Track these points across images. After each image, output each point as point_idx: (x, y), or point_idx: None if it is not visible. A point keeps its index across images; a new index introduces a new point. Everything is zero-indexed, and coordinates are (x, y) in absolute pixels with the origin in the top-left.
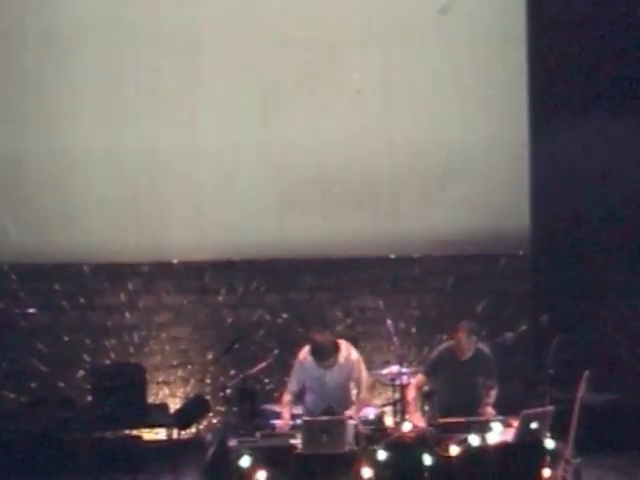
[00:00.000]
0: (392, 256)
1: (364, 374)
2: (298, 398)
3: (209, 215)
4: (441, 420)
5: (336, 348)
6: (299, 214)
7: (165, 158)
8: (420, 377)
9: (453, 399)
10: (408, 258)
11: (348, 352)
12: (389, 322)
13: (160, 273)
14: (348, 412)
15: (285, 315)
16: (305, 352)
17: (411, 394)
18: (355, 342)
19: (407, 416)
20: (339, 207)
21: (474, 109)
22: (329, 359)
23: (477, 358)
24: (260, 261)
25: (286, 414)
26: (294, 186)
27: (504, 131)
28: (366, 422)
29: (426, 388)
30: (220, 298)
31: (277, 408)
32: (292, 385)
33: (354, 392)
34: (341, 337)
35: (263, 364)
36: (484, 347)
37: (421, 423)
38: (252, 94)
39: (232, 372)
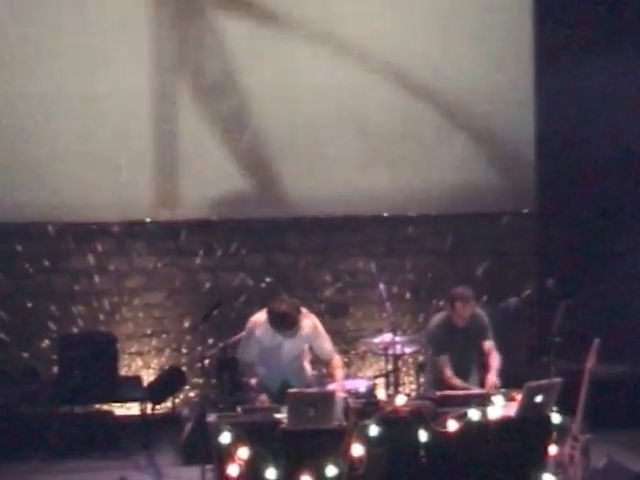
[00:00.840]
0: (385, 214)
1: (327, 340)
2: None
3: (184, 170)
4: (438, 393)
5: (298, 311)
6: (284, 169)
7: (134, 109)
8: (442, 361)
9: (455, 362)
10: (403, 217)
11: (306, 314)
12: (382, 286)
13: (131, 233)
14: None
15: (268, 279)
16: (258, 320)
17: (449, 377)
18: (344, 308)
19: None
20: (327, 161)
21: (476, 58)
22: (295, 325)
23: (474, 322)
24: (241, 220)
25: (257, 386)
26: (278, 138)
27: (508, 81)
28: (357, 395)
29: (421, 359)
30: (197, 261)
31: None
32: (246, 355)
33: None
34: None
35: (244, 332)
36: (478, 309)
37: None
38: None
39: (211, 341)
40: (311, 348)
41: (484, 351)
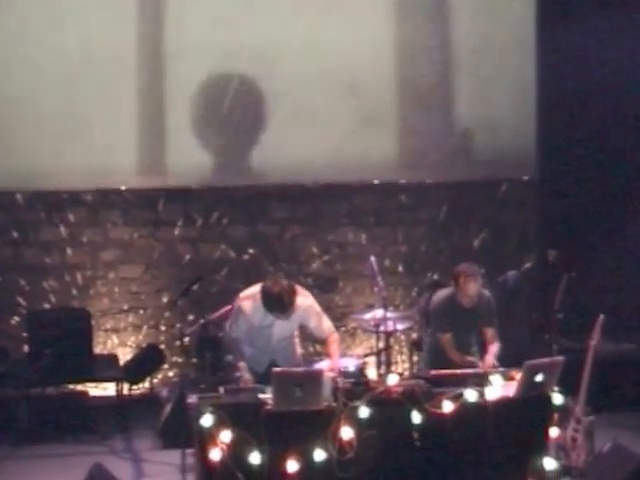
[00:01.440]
0: (376, 182)
1: (323, 318)
2: None
3: (163, 134)
4: (433, 372)
5: (294, 295)
6: (268, 134)
7: (110, 68)
8: (445, 337)
9: (456, 342)
10: (395, 185)
11: (301, 293)
12: (372, 259)
13: (106, 202)
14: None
15: (252, 251)
16: (249, 298)
17: (452, 353)
18: (333, 282)
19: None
20: (314, 125)
21: (476, 17)
22: (289, 310)
23: (479, 305)
24: (223, 188)
25: (242, 365)
26: (261, 101)
27: (509, 42)
28: (346, 375)
29: (414, 336)
30: (176, 231)
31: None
32: (234, 332)
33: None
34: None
35: (227, 308)
36: (484, 290)
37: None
38: None
39: (191, 317)
40: (305, 327)
41: (486, 338)
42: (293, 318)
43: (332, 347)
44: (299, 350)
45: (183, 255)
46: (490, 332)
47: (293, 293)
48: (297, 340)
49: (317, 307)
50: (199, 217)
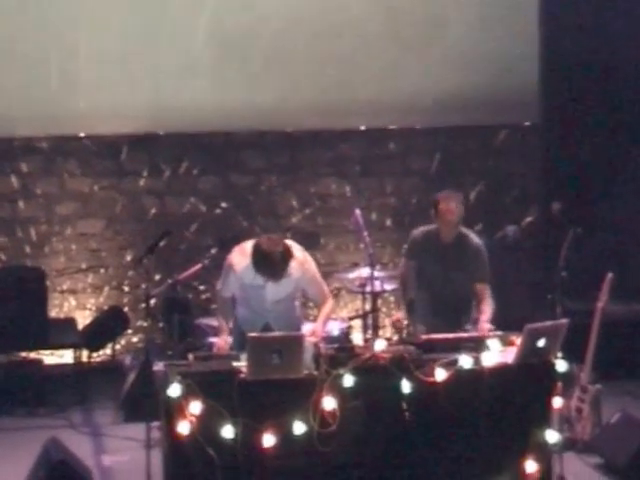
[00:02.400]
0: (362, 128)
1: (319, 283)
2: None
3: (127, 74)
4: (424, 336)
5: (289, 260)
6: (244, 74)
7: (66, 9)
8: (403, 262)
9: (438, 295)
10: (383, 131)
11: (298, 257)
12: (358, 213)
13: (63, 150)
14: (308, 330)
15: (224, 204)
16: (241, 254)
17: (403, 281)
18: (314, 239)
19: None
20: (295, 66)
21: None
22: (280, 276)
23: (464, 243)
24: (192, 135)
25: (225, 328)
26: (237, 38)
27: None
28: (329, 340)
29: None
30: (141, 182)
31: (216, 322)
32: (224, 291)
33: (297, 308)
34: (291, 234)
35: (197, 267)
36: (471, 233)
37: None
38: None
39: (157, 277)
40: (302, 291)
41: (476, 293)
42: (286, 281)
43: (321, 311)
44: (299, 313)
45: (149, 209)
46: (482, 288)
47: (288, 257)
48: (297, 303)
49: (314, 271)
50: (166, 167)
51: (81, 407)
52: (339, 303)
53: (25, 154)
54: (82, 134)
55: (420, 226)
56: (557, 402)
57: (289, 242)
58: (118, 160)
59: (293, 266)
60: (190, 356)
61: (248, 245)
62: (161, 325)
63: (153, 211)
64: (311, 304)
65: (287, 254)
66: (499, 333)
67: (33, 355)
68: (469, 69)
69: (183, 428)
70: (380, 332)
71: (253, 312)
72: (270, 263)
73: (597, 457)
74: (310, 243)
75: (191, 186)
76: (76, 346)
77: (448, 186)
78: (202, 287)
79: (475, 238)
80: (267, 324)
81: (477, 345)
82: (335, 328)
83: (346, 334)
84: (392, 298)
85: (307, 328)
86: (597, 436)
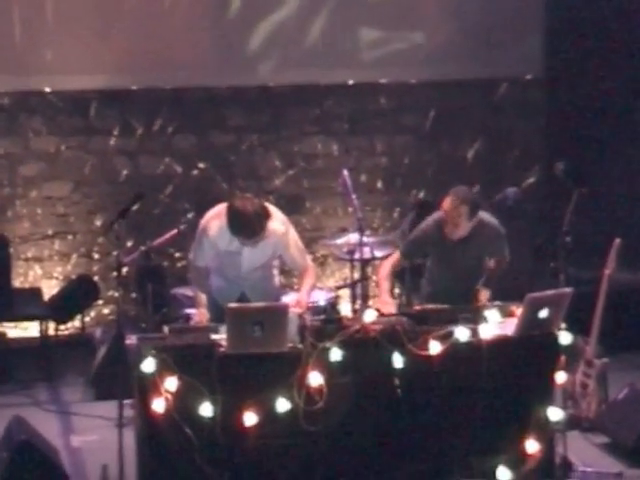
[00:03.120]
0: (350, 82)
1: (300, 249)
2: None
3: (97, 25)
4: (417, 307)
5: (266, 219)
6: (221, 25)
7: None
8: (397, 257)
9: (443, 289)
10: (373, 85)
11: (275, 217)
12: (346, 174)
13: (26, 107)
14: (292, 300)
15: (202, 165)
16: (214, 218)
17: (384, 272)
18: (299, 202)
19: (374, 302)
20: (276, 14)
21: None
22: (257, 236)
23: (478, 235)
24: (167, 90)
25: (202, 301)
26: None
27: None
28: (315, 311)
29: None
30: (112, 142)
31: (191, 292)
32: (198, 260)
33: (276, 277)
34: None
35: (172, 232)
36: (488, 217)
37: (392, 310)
38: None
39: (130, 244)
40: (279, 257)
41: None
42: (264, 246)
43: (304, 280)
44: (278, 284)
45: (120, 170)
46: (493, 261)
47: (265, 216)
48: (276, 271)
49: (294, 235)
50: (139, 124)
51: (48, 383)
52: (325, 271)
53: None
54: (48, 89)
55: (425, 219)
56: (560, 377)
57: (266, 204)
58: (87, 117)
59: (271, 229)
60: (165, 329)
61: (221, 208)
62: (134, 295)
63: (125, 172)
64: (295, 273)
65: (264, 213)
66: (498, 303)
67: None
68: (467, 18)
69: (158, 406)
70: (370, 302)
71: (228, 281)
72: (246, 222)
73: (603, 436)
74: (294, 207)
75: (166, 145)
76: (42, 318)
77: (444, 144)
78: (178, 254)
79: (490, 220)
80: (243, 294)
81: (474, 316)
82: (321, 298)
83: (333, 304)
84: None
85: (291, 298)
86: (603, 413)
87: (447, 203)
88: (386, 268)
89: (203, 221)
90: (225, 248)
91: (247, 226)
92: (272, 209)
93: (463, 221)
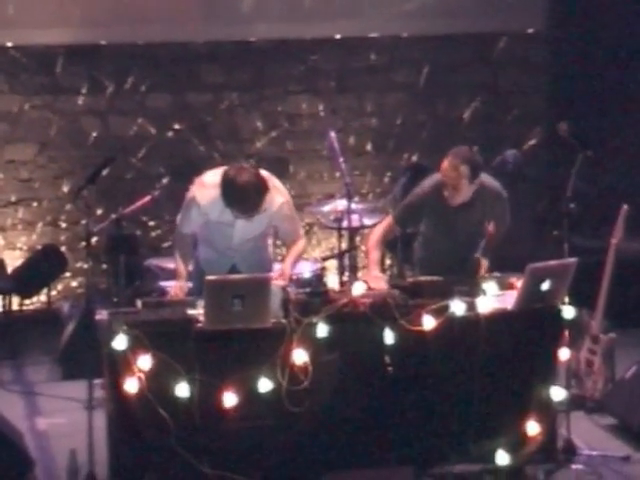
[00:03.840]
0: (338, 37)
1: (296, 221)
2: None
3: None
4: (410, 279)
5: (264, 193)
6: None
7: None
8: (389, 221)
9: (438, 256)
10: (362, 40)
11: (275, 189)
12: (333, 135)
13: None
14: (276, 272)
15: (177, 126)
16: (206, 186)
17: (374, 239)
18: (282, 165)
19: (362, 274)
20: None
21: None
22: (254, 212)
23: (480, 200)
24: (140, 46)
25: (182, 272)
26: None
27: None
28: (300, 283)
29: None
30: (80, 101)
31: (169, 263)
32: (184, 227)
33: (269, 248)
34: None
35: (146, 199)
36: (490, 180)
37: (382, 285)
38: None
39: (100, 212)
40: (274, 227)
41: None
42: (259, 218)
43: (291, 249)
44: (271, 254)
45: (89, 131)
46: (492, 225)
47: (263, 191)
48: (269, 242)
49: (291, 206)
50: (109, 82)
51: (11, 362)
52: (311, 241)
53: None
54: (10, 44)
55: (423, 181)
56: (564, 354)
57: (264, 173)
58: (53, 74)
59: (268, 202)
60: (138, 303)
61: (215, 175)
62: (104, 267)
63: (94, 134)
64: (279, 242)
65: (262, 186)
66: (497, 274)
67: None
68: None
69: (131, 386)
70: (359, 274)
71: (218, 253)
72: (243, 197)
73: (609, 417)
74: (277, 171)
75: (138, 105)
76: (5, 292)
77: (439, 103)
78: (152, 223)
79: (492, 183)
80: (234, 266)
81: (471, 288)
82: (307, 269)
83: (319, 276)
84: None
85: (275, 270)
86: (610, 393)
87: (446, 164)
88: (376, 235)
89: (192, 188)
90: (216, 219)
91: (244, 201)
92: (270, 179)
93: (464, 184)
